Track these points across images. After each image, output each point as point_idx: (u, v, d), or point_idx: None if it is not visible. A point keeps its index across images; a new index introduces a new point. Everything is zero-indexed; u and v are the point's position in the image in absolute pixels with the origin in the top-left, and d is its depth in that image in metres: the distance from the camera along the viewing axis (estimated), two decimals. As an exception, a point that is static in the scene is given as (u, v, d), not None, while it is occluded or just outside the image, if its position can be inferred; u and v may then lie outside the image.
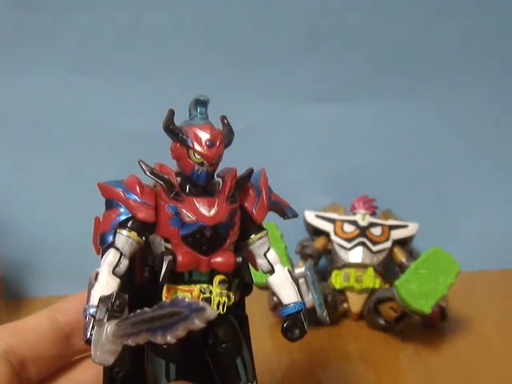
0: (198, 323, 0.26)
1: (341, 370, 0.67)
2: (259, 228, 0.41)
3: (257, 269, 0.42)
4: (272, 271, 0.41)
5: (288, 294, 0.41)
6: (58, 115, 0.80)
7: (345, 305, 0.77)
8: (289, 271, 0.41)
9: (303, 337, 0.40)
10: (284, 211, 0.43)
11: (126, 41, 0.79)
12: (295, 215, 0.43)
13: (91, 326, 0.34)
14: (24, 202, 0.82)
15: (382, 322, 0.73)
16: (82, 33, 0.78)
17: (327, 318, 0.43)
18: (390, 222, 0.81)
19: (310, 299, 0.41)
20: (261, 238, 0.41)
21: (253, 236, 0.41)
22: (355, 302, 0.76)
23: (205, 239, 0.38)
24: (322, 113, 0.85)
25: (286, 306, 0.41)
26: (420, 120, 0.87)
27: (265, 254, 0.41)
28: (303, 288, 0.42)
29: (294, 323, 0.40)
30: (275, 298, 0.73)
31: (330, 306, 0.73)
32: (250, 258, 0.41)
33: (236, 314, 0.40)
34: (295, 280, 0.41)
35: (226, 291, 0.38)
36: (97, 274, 0.36)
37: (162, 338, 0.28)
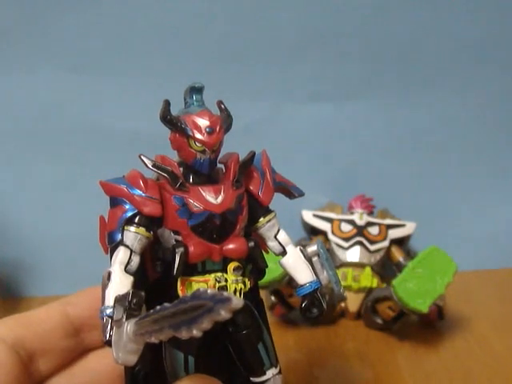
0: (224, 314, 0.26)
1: (338, 369, 0.67)
2: (267, 210, 0.41)
3: (267, 252, 0.42)
4: (284, 252, 0.41)
5: (303, 273, 0.41)
6: (57, 115, 0.80)
7: (342, 304, 0.77)
8: (301, 251, 0.41)
9: (322, 315, 0.41)
10: (290, 191, 0.43)
11: (125, 41, 0.79)
12: (301, 194, 0.43)
13: (110, 326, 0.34)
14: (22, 203, 0.82)
15: (379, 321, 0.73)
16: (81, 33, 0.77)
17: (344, 294, 0.42)
18: (388, 221, 0.81)
19: (325, 277, 0.41)
20: (270, 220, 0.41)
21: (261, 219, 0.40)
22: (353, 302, 0.76)
23: (215, 227, 0.37)
24: (319, 112, 0.85)
25: (302, 286, 0.41)
26: (418, 119, 0.87)
27: (275, 236, 0.41)
28: (317, 266, 0.41)
29: (311, 302, 0.40)
30: (273, 298, 0.73)
31: (328, 305, 0.73)
32: (260, 242, 0.40)
33: (251, 299, 0.40)
34: (308, 259, 0.41)
35: (241, 278, 0.38)
36: (109, 274, 0.35)
37: (186, 332, 0.28)
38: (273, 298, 0.73)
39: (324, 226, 0.81)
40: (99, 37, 0.78)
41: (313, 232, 0.82)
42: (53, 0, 0.76)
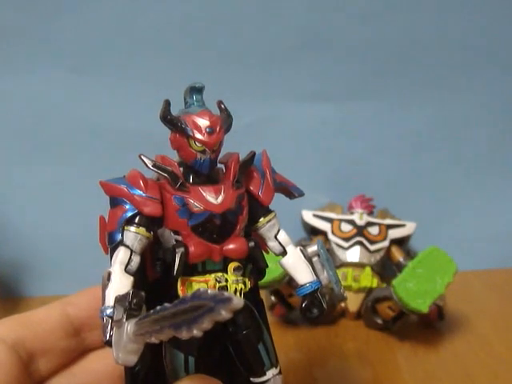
0: (224, 314, 0.26)
1: (338, 369, 0.67)
2: (267, 211, 0.41)
3: (267, 252, 0.42)
4: (284, 253, 0.41)
5: (303, 273, 0.41)
6: (57, 115, 0.80)
7: (342, 304, 0.77)
8: (301, 251, 0.41)
9: (322, 315, 0.41)
10: (290, 191, 0.43)
11: (125, 41, 0.79)
12: (301, 194, 0.43)
13: (110, 327, 0.34)
14: (22, 203, 0.82)
15: (379, 321, 0.73)
16: (81, 33, 0.77)
17: (344, 294, 0.42)
18: (388, 221, 0.81)
19: (325, 277, 0.41)
20: (270, 220, 0.41)
21: (262, 219, 0.41)
22: (353, 302, 0.76)
23: (215, 227, 0.37)
24: (319, 112, 0.85)
25: (302, 286, 0.41)
26: (418, 120, 0.87)
27: (275, 236, 0.41)
28: (317, 266, 0.41)
29: (311, 302, 0.40)
30: (273, 298, 0.73)
31: (328, 305, 0.73)
32: (260, 242, 0.41)
33: (251, 299, 0.40)
34: (308, 259, 0.41)
35: (241, 278, 0.38)
36: (109, 274, 0.35)
37: (187, 332, 0.28)
38: (273, 298, 0.73)
39: (324, 226, 0.81)
40: (99, 37, 0.78)
41: (313, 232, 0.82)
42: (53, 0, 0.76)
